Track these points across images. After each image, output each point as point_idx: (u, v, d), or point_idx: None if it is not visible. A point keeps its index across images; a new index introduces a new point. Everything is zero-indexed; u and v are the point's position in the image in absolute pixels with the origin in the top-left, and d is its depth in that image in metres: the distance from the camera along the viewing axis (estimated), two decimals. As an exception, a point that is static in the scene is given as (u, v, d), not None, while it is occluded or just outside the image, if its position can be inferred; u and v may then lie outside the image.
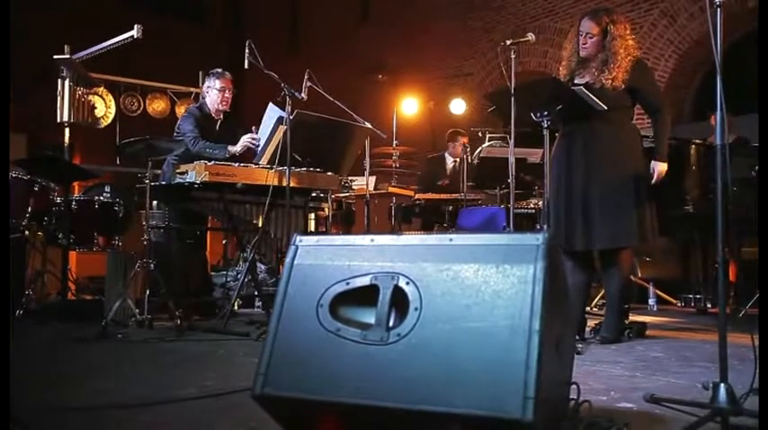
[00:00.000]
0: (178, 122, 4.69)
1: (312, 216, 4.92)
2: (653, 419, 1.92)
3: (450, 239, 1.68)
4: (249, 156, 4.50)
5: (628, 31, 3.42)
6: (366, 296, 1.66)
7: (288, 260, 1.79)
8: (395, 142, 6.36)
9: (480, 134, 6.48)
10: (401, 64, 10.05)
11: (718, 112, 1.89)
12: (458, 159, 6.34)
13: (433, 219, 6.03)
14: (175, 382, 2.47)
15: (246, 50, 4.03)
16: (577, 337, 3.42)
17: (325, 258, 1.77)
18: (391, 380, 1.54)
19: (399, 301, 1.62)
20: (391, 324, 1.61)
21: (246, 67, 4.04)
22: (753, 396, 1.98)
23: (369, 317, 1.64)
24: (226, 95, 4.67)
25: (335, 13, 11.80)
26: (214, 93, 4.66)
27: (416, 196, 6.02)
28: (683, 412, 1.87)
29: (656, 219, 3.47)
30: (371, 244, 1.74)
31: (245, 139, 4.42)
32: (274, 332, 1.70)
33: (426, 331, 1.56)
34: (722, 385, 1.78)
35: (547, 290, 1.52)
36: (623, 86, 3.36)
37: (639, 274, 5.70)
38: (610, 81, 3.33)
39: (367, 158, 5.64)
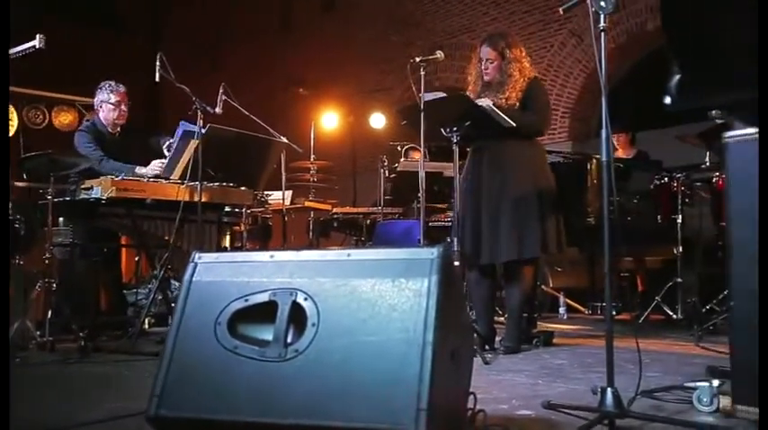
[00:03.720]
0: (74, 142, 4.47)
1: (228, 231, 4.84)
2: (549, 425, 2.00)
3: (348, 254, 1.70)
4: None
5: (522, 54, 3.61)
6: (265, 312, 1.66)
7: (186, 277, 1.77)
8: (312, 156, 6.35)
9: (399, 148, 6.56)
10: (322, 78, 10.08)
11: (604, 130, 2.00)
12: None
13: (350, 232, 6.05)
14: (78, 406, 2.37)
15: (158, 63, 3.95)
16: (487, 348, 3.51)
17: (225, 275, 1.76)
18: (289, 396, 1.55)
19: (297, 317, 1.63)
20: (289, 340, 1.61)
21: (158, 80, 3.96)
22: (640, 398, 2.10)
23: (267, 333, 1.64)
24: (122, 109, 4.51)
25: (256, 27, 11.73)
26: (109, 107, 4.49)
27: (334, 210, 6.03)
28: (578, 417, 1.96)
29: (562, 231, 3.62)
30: (271, 260, 1.74)
31: (155, 164, 4.28)
32: (171, 352, 1.68)
33: (324, 346, 1.58)
34: (609, 389, 1.88)
35: (441, 302, 1.57)
36: (518, 104, 3.51)
37: (551, 284, 5.90)
38: (504, 100, 3.50)
39: (283, 173, 5.62)
